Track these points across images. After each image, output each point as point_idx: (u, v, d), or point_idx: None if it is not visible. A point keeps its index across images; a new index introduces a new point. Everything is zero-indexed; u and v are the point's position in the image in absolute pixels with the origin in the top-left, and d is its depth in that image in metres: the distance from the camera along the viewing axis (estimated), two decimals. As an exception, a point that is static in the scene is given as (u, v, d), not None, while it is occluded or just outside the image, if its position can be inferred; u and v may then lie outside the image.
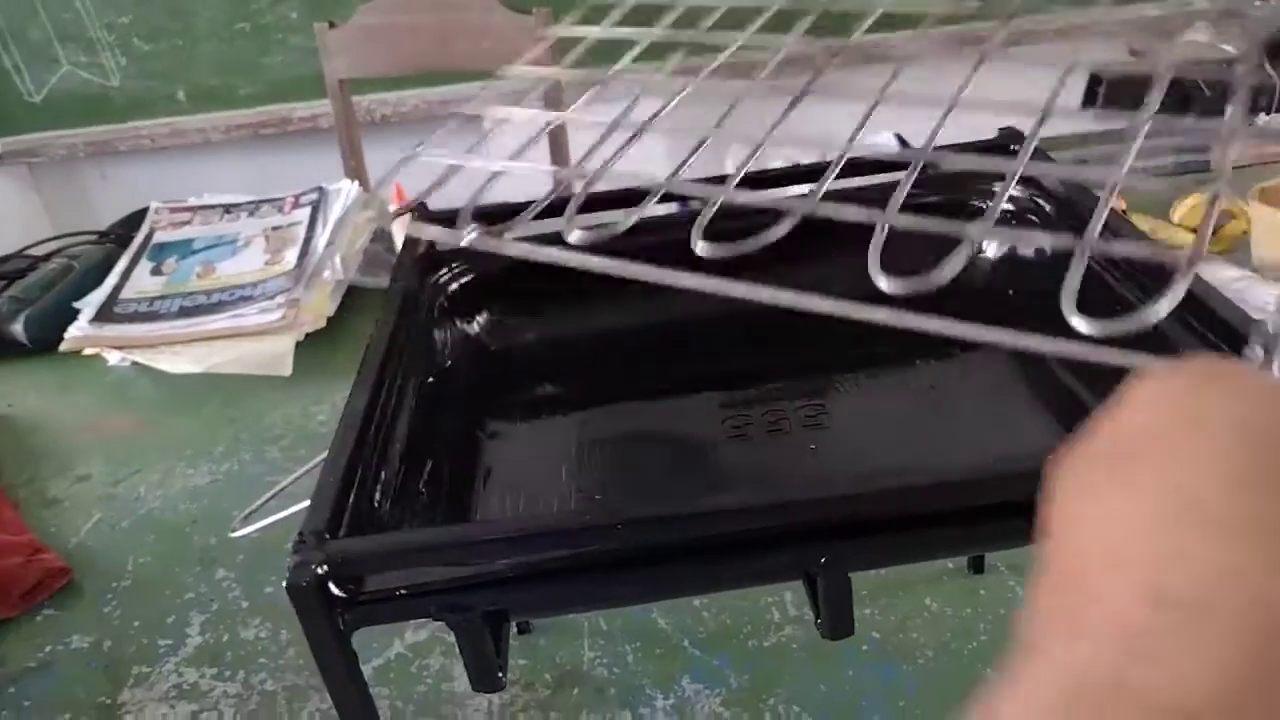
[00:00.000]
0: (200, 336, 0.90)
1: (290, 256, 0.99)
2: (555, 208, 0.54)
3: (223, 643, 0.62)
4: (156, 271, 1.00)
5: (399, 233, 1.00)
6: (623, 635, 0.59)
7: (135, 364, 0.91)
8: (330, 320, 0.93)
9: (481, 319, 0.45)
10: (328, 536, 0.28)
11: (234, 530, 0.40)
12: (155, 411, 0.88)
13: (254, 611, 0.64)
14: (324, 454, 0.34)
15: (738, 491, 0.33)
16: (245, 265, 1.00)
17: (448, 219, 0.52)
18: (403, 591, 0.28)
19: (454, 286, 0.48)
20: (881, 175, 0.51)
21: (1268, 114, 1.09)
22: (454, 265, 0.47)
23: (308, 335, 0.90)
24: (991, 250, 0.47)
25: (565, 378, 0.43)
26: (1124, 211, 0.95)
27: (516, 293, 0.45)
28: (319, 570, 0.27)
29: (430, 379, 0.40)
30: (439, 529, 0.28)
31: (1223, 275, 0.84)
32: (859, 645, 0.57)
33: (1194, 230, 0.91)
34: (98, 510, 0.76)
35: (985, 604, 0.58)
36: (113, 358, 0.92)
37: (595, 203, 0.52)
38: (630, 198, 0.52)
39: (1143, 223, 0.94)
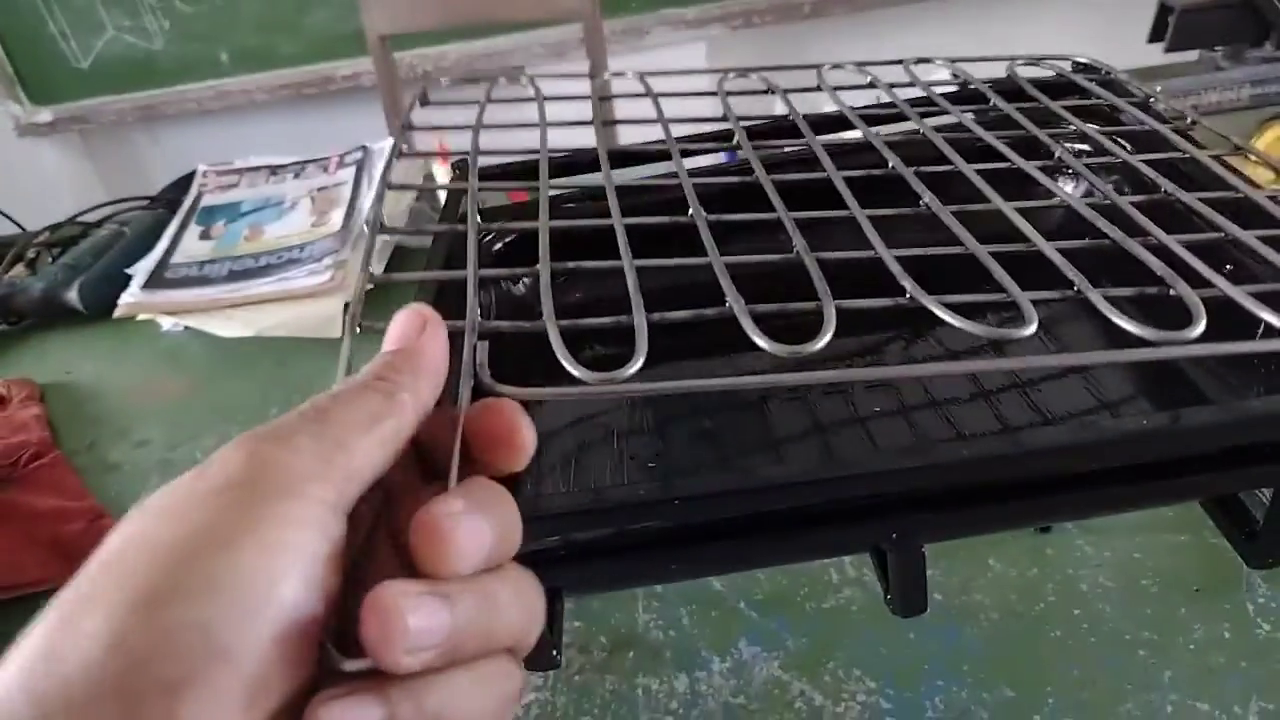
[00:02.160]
0: (249, 300, 0.90)
1: (336, 217, 0.99)
2: (592, 162, 0.53)
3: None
4: (205, 235, 1.00)
5: (441, 177, 0.99)
6: (678, 598, 0.58)
7: (188, 328, 0.91)
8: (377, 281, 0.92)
9: (527, 280, 0.43)
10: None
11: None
12: (209, 375, 0.88)
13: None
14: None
15: (797, 458, 0.31)
16: (292, 227, 0.99)
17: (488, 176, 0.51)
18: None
19: (498, 246, 0.47)
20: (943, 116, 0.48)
21: (1354, 40, 1.03)
22: (497, 225, 0.46)
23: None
24: (1070, 188, 0.45)
25: (614, 338, 0.41)
26: (1198, 149, 0.90)
27: (563, 252, 0.43)
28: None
29: (475, 345, 0.39)
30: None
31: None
32: (921, 607, 0.55)
33: (1274, 168, 0.86)
34: (156, 475, 0.76)
35: (1052, 564, 0.56)
36: (165, 322, 0.93)
37: (634, 156, 0.50)
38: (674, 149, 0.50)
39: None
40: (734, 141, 0.41)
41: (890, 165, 0.37)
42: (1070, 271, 0.28)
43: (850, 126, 0.47)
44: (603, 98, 0.47)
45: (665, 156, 0.44)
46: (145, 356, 0.93)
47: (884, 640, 0.54)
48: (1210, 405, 0.26)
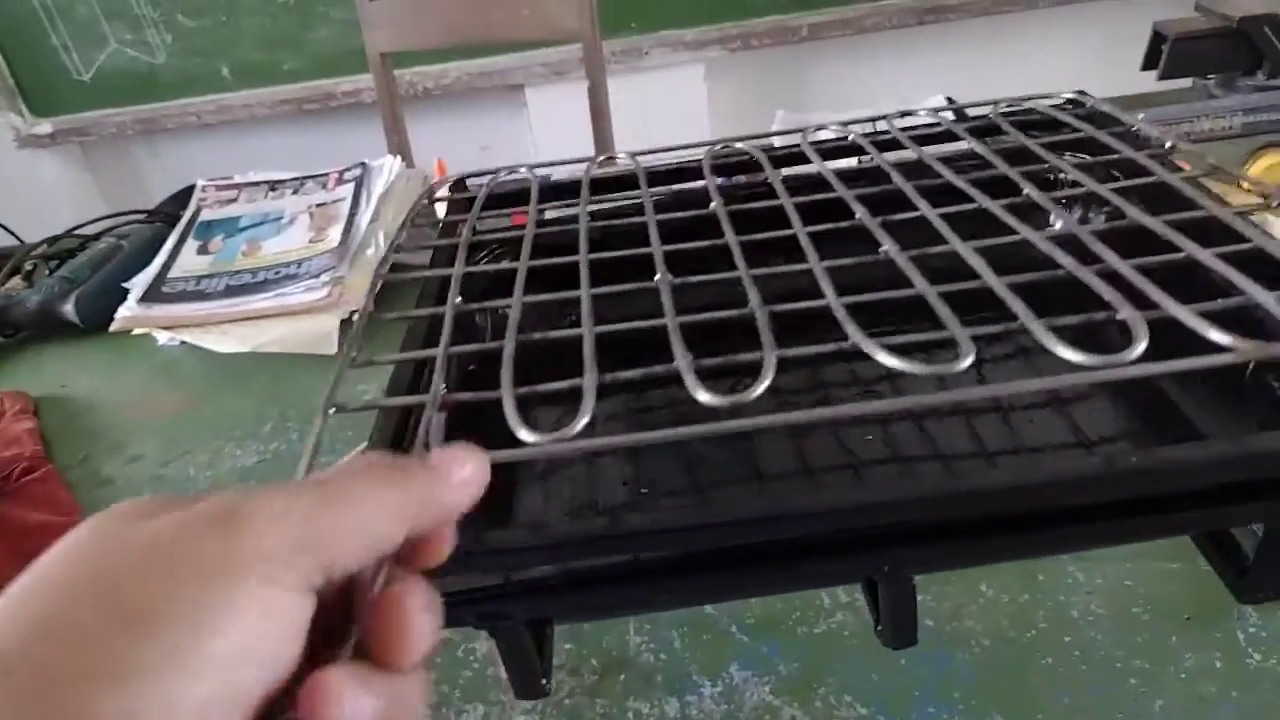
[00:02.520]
0: (246, 316, 0.90)
1: (334, 234, 0.99)
2: (592, 185, 0.53)
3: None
4: (203, 250, 1.01)
5: (442, 209, 0.99)
6: (670, 621, 0.58)
7: (184, 343, 0.92)
8: (378, 302, 0.92)
9: (522, 263, 0.43)
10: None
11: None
12: (204, 390, 0.88)
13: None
14: (362, 445, 0.34)
15: (788, 487, 0.32)
16: (290, 243, 1.00)
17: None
18: (440, 599, 0.27)
19: (494, 269, 0.47)
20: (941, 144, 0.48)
21: (1346, 71, 1.04)
22: (494, 248, 0.46)
23: (352, 313, 0.90)
24: (1060, 223, 0.45)
25: (610, 361, 0.41)
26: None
27: (559, 275, 0.44)
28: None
29: (470, 367, 0.39)
30: (477, 534, 0.27)
31: (1298, 243, 0.80)
32: (913, 633, 0.55)
33: (1265, 196, 0.87)
34: (149, 490, 0.76)
35: (1043, 590, 0.56)
36: (162, 337, 0.93)
37: (658, 174, 0.51)
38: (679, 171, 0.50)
39: (1212, 187, 0.89)
40: (710, 208, 0.41)
41: (857, 216, 0.38)
42: (1015, 304, 0.28)
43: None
44: (594, 181, 0.47)
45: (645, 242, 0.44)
46: (141, 371, 0.93)
47: (875, 666, 0.54)
48: (1200, 441, 0.26)
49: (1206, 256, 0.31)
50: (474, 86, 1.92)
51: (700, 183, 0.45)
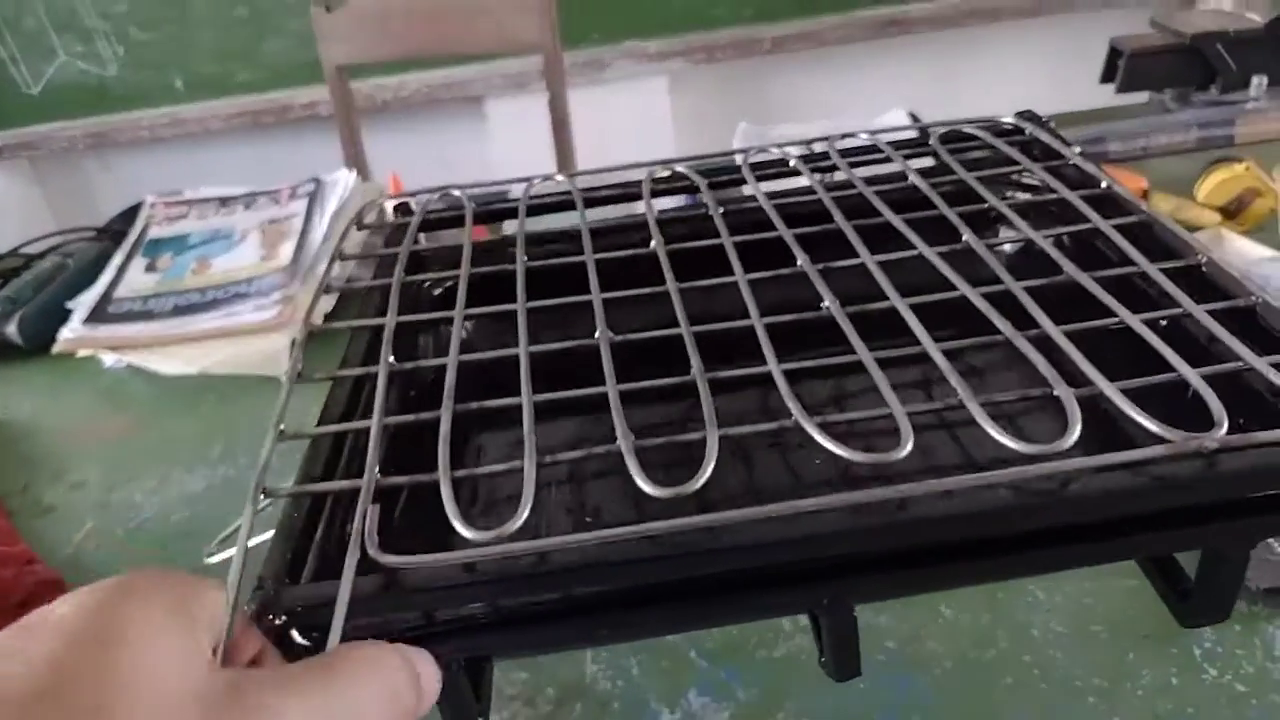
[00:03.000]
0: (194, 336, 0.88)
1: (286, 251, 0.97)
2: (552, 202, 0.52)
3: None
4: (151, 268, 0.98)
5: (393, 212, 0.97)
6: (628, 648, 0.57)
7: (130, 365, 0.89)
8: (327, 317, 0.91)
9: (469, 323, 0.42)
10: (287, 581, 0.26)
11: (209, 555, 0.38)
12: (150, 414, 0.86)
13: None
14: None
15: (735, 514, 0.31)
16: (241, 260, 0.97)
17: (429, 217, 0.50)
18: (368, 638, 0.25)
19: (439, 290, 0.46)
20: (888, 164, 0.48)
21: (1294, 85, 1.05)
22: (439, 266, 0.45)
23: (305, 332, 0.88)
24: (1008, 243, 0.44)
25: (557, 384, 0.40)
26: (1145, 192, 0.91)
27: (507, 294, 0.42)
28: (277, 621, 0.25)
29: (412, 391, 0.38)
30: (409, 543, 0.26)
31: (1250, 255, 0.81)
32: (874, 656, 0.54)
33: (1219, 209, 0.88)
34: (91, 518, 0.74)
35: (1004, 610, 0.56)
36: (107, 359, 0.90)
37: (596, 199, 0.50)
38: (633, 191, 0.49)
39: (1165, 202, 0.90)
40: (650, 248, 0.41)
41: (799, 264, 0.37)
42: (953, 377, 0.28)
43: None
44: (530, 205, 0.46)
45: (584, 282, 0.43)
46: (85, 394, 0.90)
47: (835, 689, 0.53)
48: (1139, 467, 0.25)
49: (1135, 322, 0.31)
50: (433, 98, 1.90)
51: (639, 210, 0.44)
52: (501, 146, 2.01)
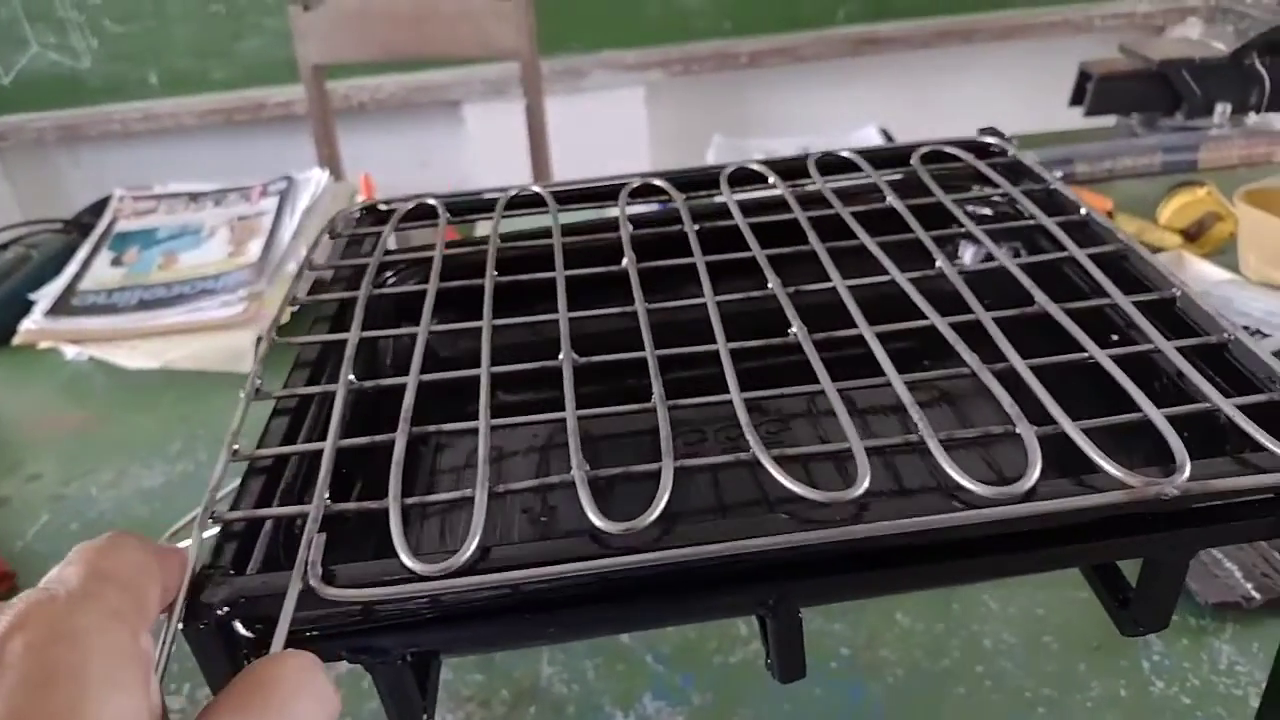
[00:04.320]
0: (158, 331, 0.87)
1: (254, 248, 0.96)
2: (521, 202, 0.52)
3: (170, 654, 0.59)
4: (117, 262, 0.97)
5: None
6: (584, 650, 0.57)
7: (91, 358, 0.88)
8: (294, 315, 0.90)
9: (430, 325, 0.42)
10: (232, 572, 0.26)
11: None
12: (110, 408, 0.85)
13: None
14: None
15: (689, 518, 0.31)
16: (208, 256, 0.97)
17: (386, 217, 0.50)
18: (313, 632, 0.25)
19: (400, 290, 0.46)
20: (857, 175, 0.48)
21: (1258, 113, 1.07)
22: (401, 267, 0.45)
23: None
24: (968, 257, 0.45)
25: (518, 387, 0.40)
26: (1110, 213, 0.93)
27: (469, 297, 0.42)
28: (220, 611, 0.25)
29: (370, 391, 0.38)
30: (354, 567, 0.26)
31: (1209, 278, 0.82)
32: (827, 663, 0.55)
33: (1180, 231, 0.89)
34: (46, 512, 0.73)
35: (957, 619, 0.56)
36: (69, 351, 0.89)
37: (572, 197, 0.50)
38: (607, 192, 0.49)
39: (1129, 224, 0.92)
40: (622, 265, 0.41)
41: (770, 287, 0.37)
42: (914, 412, 0.28)
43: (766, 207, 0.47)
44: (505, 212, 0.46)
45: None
46: (44, 387, 0.89)
47: (789, 695, 0.53)
48: (1075, 478, 0.26)
49: (1103, 358, 0.31)
50: (411, 101, 1.90)
51: (613, 213, 0.44)
52: (478, 151, 2.01)
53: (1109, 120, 1.16)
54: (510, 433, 0.36)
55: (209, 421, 0.81)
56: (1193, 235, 0.89)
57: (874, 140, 1.16)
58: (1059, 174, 0.47)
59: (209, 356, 0.85)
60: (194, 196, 1.07)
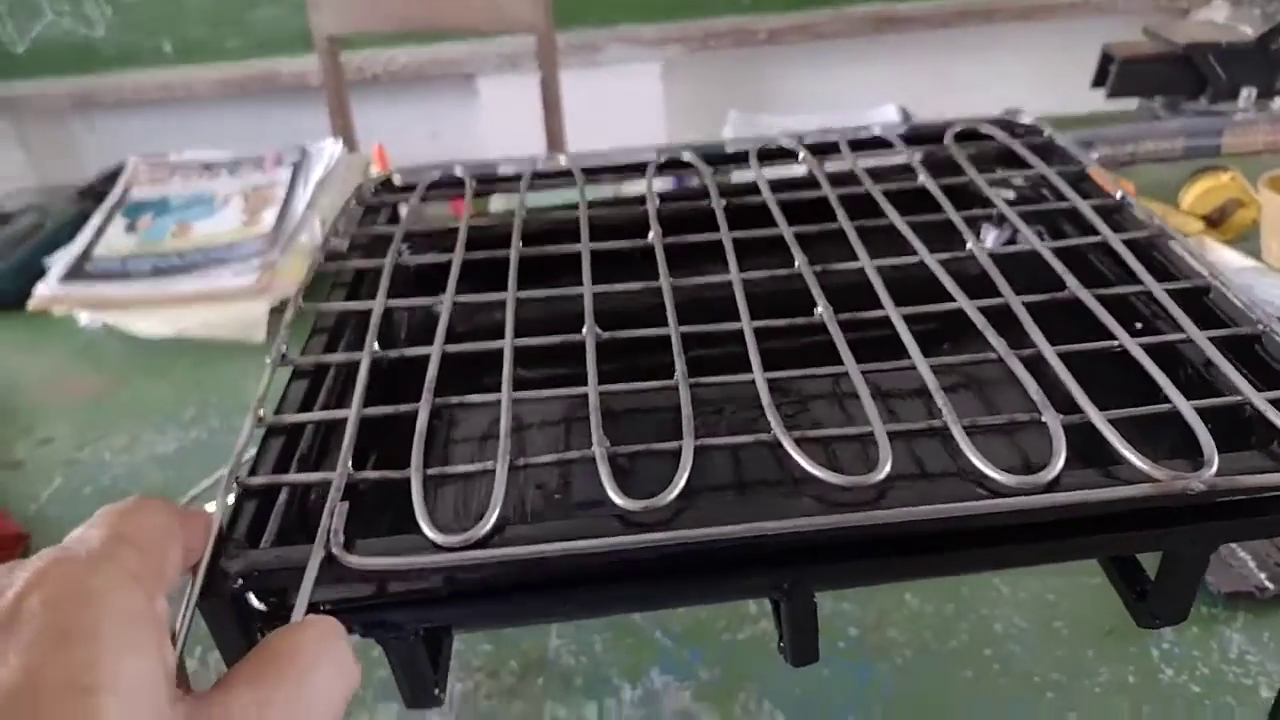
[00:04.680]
0: (172, 299, 0.87)
1: (268, 218, 0.96)
2: (546, 175, 0.51)
3: (191, 617, 0.59)
4: (131, 229, 0.97)
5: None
6: (592, 623, 0.57)
7: (106, 325, 0.88)
8: (313, 284, 0.90)
9: (447, 298, 0.42)
10: (247, 545, 0.26)
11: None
12: (124, 374, 0.85)
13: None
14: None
15: (708, 498, 0.31)
16: (222, 225, 0.97)
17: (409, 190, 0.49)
18: (327, 608, 0.25)
19: (417, 262, 0.45)
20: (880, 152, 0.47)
21: (1282, 97, 1.06)
22: (417, 239, 0.44)
23: (283, 301, 0.87)
24: (990, 239, 0.44)
25: (537, 362, 0.40)
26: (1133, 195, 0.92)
27: (486, 270, 0.42)
28: (235, 584, 0.25)
29: (387, 365, 0.37)
30: (373, 540, 0.26)
31: (1231, 265, 0.82)
32: (835, 642, 0.55)
33: (1203, 217, 0.88)
34: (60, 475, 0.73)
35: (967, 603, 0.56)
36: (83, 317, 0.90)
37: (599, 170, 0.49)
38: (635, 166, 0.49)
39: (1151, 209, 0.91)
40: (648, 239, 0.40)
41: (796, 266, 0.37)
42: (939, 396, 0.28)
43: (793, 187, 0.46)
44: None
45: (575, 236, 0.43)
46: (59, 352, 0.89)
47: (796, 674, 0.53)
48: (1101, 469, 0.25)
49: (1134, 346, 0.30)
50: (424, 74, 1.89)
51: (640, 195, 0.44)
52: (492, 125, 2.00)
53: (1131, 103, 1.14)
54: (529, 407, 0.35)
55: (222, 389, 0.82)
56: (1215, 221, 0.88)
57: (892, 119, 1.15)
58: (1094, 156, 0.47)
59: (222, 325, 0.85)
60: (208, 166, 1.07)
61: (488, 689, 0.54)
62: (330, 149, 1.05)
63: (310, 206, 0.98)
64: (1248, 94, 1.06)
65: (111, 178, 1.09)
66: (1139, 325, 0.34)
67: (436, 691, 0.28)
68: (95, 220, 0.99)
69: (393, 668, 0.27)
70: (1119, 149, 1.05)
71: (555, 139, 1.44)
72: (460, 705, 0.53)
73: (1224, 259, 0.83)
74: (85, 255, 0.93)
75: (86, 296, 0.89)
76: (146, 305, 0.87)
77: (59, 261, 0.93)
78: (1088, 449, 0.27)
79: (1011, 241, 0.40)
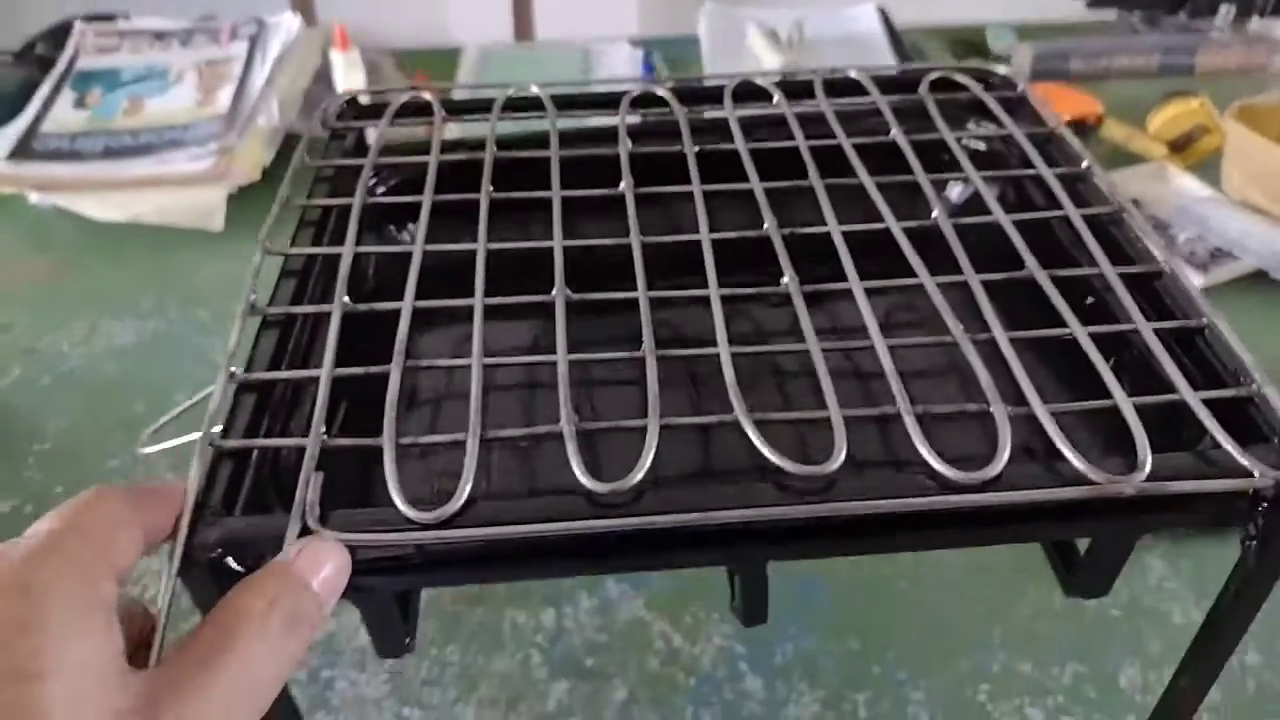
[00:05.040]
0: (125, 182, 0.85)
1: (224, 97, 0.93)
2: (518, 105, 0.49)
3: (173, 592, 0.60)
4: (80, 104, 0.93)
5: (340, 67, 0.93)
6: (551, 535, 0.59)
7: (56, 206, 0.86)
8: (265, 171, 0.88)
9: (417, 248, 0.42)
10: (224, 512, 0.27)
11: (142, 446, 0.38)
12: (78, 258, 0.83)
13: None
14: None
15: (671, 478, 0.32)
16: (176, 103, 0.93)
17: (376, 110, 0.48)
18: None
19: (384, 192, 0.45)
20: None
21: (1261, 16, 1.05)
22: (385, 170, 0.44)
23: (241, 188, 0.85)
24: (955, 193, 0.45)
25: (507, 306, 0.40)
26: (1100, 117, 0.92)
27: (457, 201, 0.42)
28: (213, 554, 0.26)
29: (356, 305, 0.37)
30: (349, 513, 0.26)
31: (1191, 193, 0.83)
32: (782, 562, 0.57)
33: (1169, 143, 0.89)
34: (18, 365, 0.73)
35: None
36: (32, 196, 0.87)
37: (572, 103, 0.48)
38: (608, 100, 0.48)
39: (1118, 130, 0.91)
40: (620, 189, 0.40)
41: (765, 227, 0.38)
42: (894, 382, 0.29)
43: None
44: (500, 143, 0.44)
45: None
46: (9, 234, 0.87)
47: (744, 589, 0.56)
48: (1042, 463, 0.27)
49: (1083, 336, 0.31)
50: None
51: (612, 136, 0.43)
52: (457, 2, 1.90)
53: (1110, 15, 1.12)
54: (502, 325, 0.36)
55: (179, 278, 0.80)
56: (1179, 146, 0.89)
57: (871, 17, 1.12)
58: (1065, 119, 0.46)
59: (178, 212, 0.83)
60: (159, 35, 1.02)
61: (451, 594, 0.57)
62: (288, 23, 1.01)
63: (268, 85, 0.95)
64: (1226, 11, 1.05)
65: (54, 39, 1.04)
66: (1090, 300, 0.35)
67: (407, 640, 0.30)
68: (42, 92, 0.94)
69: (366, 623, 0.29)
70: (1093, 63, 1.04)
71: (523, 19, 1.38)
72: (424, 610, 0.56)
73: (1184, 186, 0.84)
74: (32, 131, 0.90)
75: (36, 177, 0.86)
76: (99, 188, 0.85)
77: (5, 138, 0.89)
78: (1033, 436, 0.29)
79: (977, 198, 0.40)
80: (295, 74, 0.97)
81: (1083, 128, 0.91)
